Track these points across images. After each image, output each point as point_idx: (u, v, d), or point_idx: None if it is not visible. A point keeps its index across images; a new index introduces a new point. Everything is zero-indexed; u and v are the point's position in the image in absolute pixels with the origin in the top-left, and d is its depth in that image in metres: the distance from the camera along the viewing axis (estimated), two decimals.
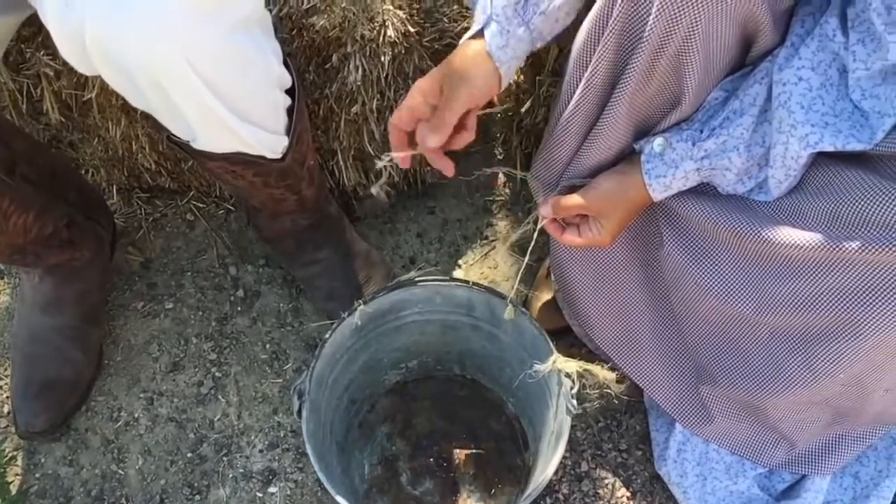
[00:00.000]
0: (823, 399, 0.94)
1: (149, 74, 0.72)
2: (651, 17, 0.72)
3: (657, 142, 0.81)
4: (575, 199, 0.86)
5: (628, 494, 1.15)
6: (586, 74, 0.80)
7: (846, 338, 0.84)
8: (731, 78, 0.78)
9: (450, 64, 0.80)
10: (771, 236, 0.80)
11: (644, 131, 0.84)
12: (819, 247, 0.78)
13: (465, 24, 1.28)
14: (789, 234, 0.79)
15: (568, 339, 1.24)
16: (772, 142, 0.77)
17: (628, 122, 0.81)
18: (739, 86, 0.78)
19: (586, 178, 0.88)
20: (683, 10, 0.70)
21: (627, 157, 0.86)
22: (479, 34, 0.80)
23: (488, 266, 1.35)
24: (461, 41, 0.83)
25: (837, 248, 0.77)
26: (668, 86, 0.78)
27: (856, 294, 0.80)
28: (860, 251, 0.76)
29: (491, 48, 0.80)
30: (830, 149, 0.74)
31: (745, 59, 0.78)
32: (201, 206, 1.39)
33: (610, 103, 0.80)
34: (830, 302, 0.82)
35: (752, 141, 0.79)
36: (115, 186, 1.36)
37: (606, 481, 1.16)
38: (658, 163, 0.82)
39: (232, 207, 1.39)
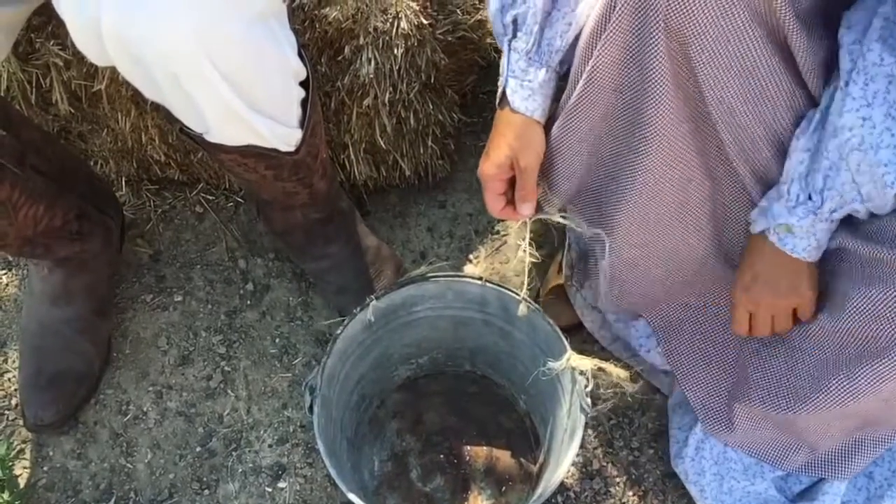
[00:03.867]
0: (857, 413, 0.93)
1: (166, 66, 0.70)
2: (658, 12, 0.70)
3: (779, 228, 0.81)
4: (741, 312, 0.91)
5: (640, 493, 1.14)
6: (587, 68, 0.78)
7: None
8: (806, 138, 0.77)
9: (506, 141, 0.85)
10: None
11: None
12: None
13: (479, 17, 1.27)
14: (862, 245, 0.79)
15: (579, 336, 1.23)
16: (858, 182, 0.76)
17: (683, 120, 0.79)
18: (817, 142, 0.77)
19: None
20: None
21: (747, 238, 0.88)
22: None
23: (499, 261, 1.34)
24: (497, 106, 0.87)
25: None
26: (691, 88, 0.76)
27: None
28: None
29: (516, 105, 0.83)
30: None
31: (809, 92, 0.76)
32: (210, 198, 1.38)
33: (650, 106, 0.78)
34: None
35: (860, 183, 0.77)
36: (123, 178, 1.35)
37: (618, 479, 1.15)
38: (791, 239, 0.82)
39: (241, 200, 1.38)
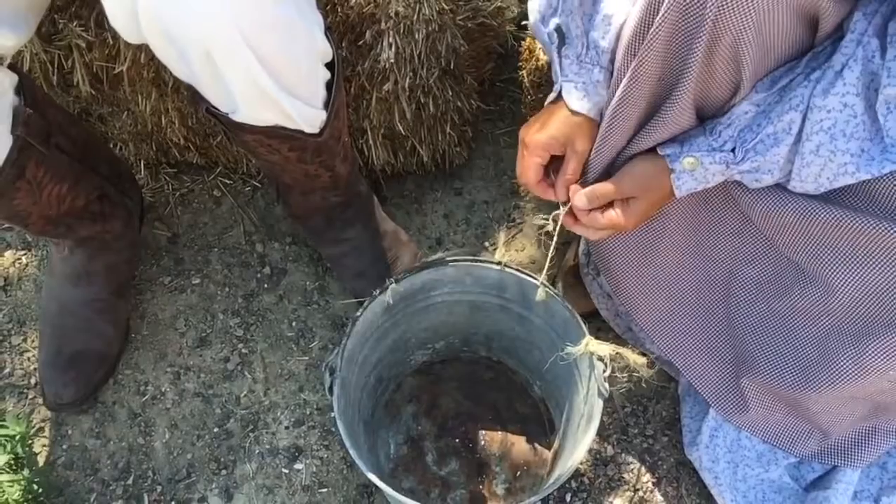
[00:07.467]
0: (867, 395, 0.93)
1: (200, 44, 0.71)
2: (707, 10, 0.70)
3: (688, 161, 0.81)
4: (608, 187, 0.86)
5: (654, 480, 1.14)
6: (633, 65, 0.79)
7: None
8: (764, 95, 0.77)
9: (566, 124, 0.85)
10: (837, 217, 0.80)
11: (704, 117, 0.83)
12: (885, 232, 0.78)
13: (498, 3, 1.27)
14: (854, 217, 0.79)
15: (595, 323, 1.23)
16: (807, 161, 0.77)
17: (692, 113, 0.80)
18: (770, 104, 0.77)
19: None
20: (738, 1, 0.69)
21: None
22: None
23: (515, 248, 1.34)
24: (547, 102, 0.88)
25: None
26: (728, 74, 0.76)
27: None
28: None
29: (572, 105, 0.84)
30: (868, 177, 0.74)
31: (814, 41, 0.76)
32: (228, 182, 1.39)
33: (673, 98, 0.78)
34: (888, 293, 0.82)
35: (786, 160, 0.79)
36: (142, 161, 1.36)
37: (632, 466, 1.15)
38: (688, 178, 0.82)
39: (259, 184, 1.39)
